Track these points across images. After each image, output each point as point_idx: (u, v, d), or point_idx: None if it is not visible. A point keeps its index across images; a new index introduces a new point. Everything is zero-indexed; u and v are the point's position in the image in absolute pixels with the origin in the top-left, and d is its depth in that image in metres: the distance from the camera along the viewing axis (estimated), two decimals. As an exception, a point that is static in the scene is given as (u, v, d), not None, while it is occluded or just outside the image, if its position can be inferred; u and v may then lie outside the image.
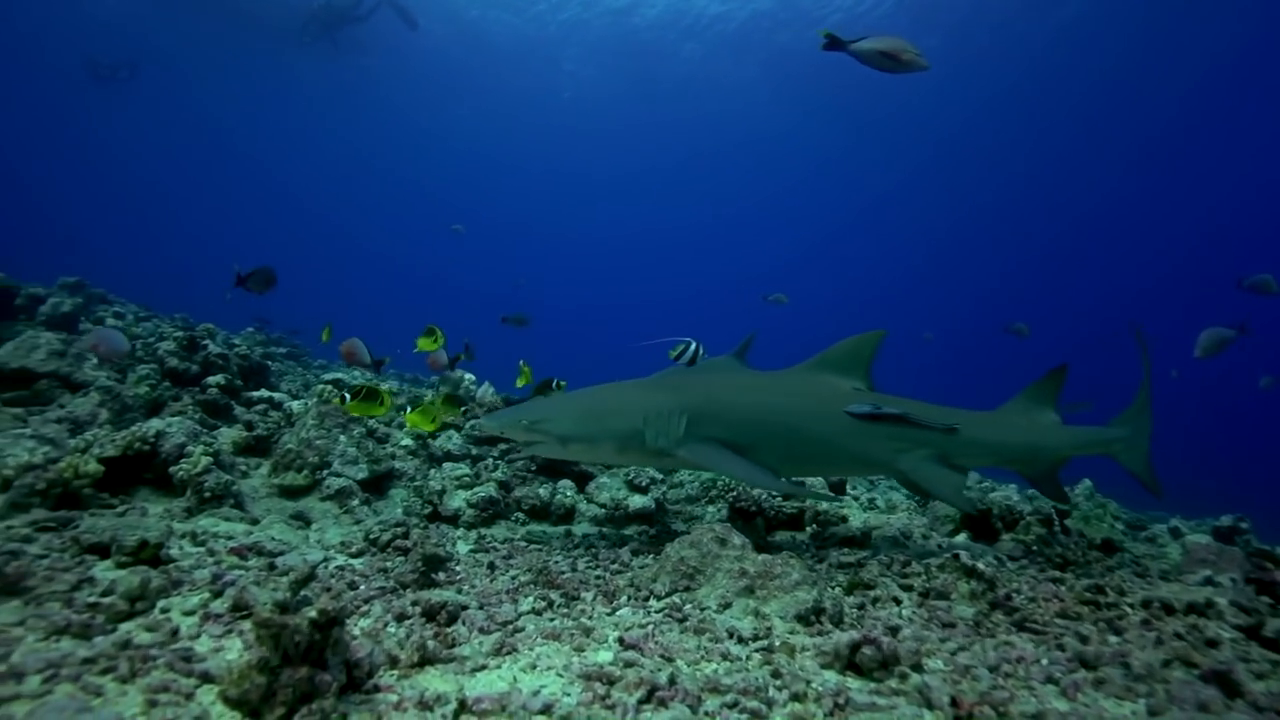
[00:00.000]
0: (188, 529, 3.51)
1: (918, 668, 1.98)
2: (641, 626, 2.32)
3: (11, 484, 3.41)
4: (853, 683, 1.89)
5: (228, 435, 4.76)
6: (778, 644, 2.23)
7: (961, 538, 5.34)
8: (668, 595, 2.85)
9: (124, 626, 2.01)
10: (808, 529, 5.60)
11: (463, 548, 4.03)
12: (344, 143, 46.24)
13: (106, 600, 2.13)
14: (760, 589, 2.84)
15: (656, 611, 2.63)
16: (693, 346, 4.47)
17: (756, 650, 2.18)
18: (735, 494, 5.55)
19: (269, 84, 35.77)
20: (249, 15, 26.48)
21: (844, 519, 5.63)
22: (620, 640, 2.12)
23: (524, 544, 4.17)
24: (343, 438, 4.79)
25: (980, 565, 3.27)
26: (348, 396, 4.06)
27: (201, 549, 3.20)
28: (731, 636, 2.29)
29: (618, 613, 2.57)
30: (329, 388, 5.54)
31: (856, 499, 7.05)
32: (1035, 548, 4.61)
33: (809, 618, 2.61)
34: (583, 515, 5.19)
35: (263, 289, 4.75)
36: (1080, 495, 6.02)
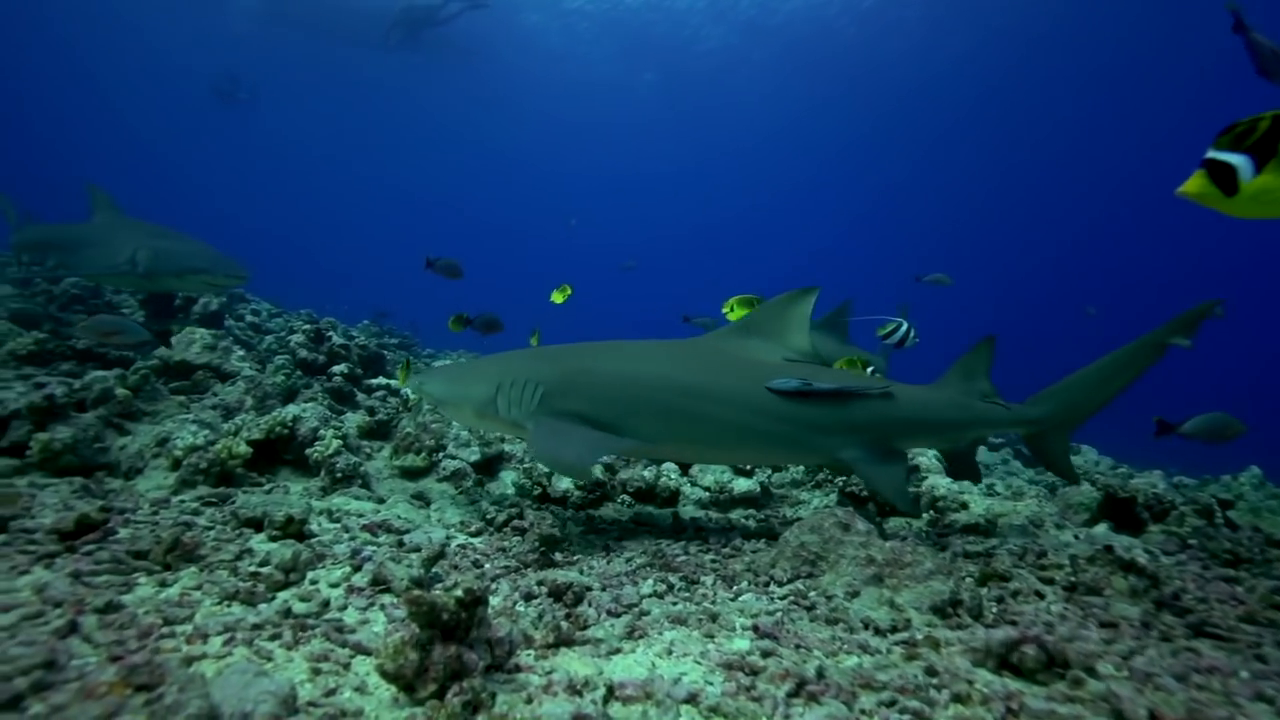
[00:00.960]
0: (324, 506, 3.76)
1: (1091, 672, 1.78)
2: (770, 614, 2.23)
3: (181, 463, 3.78)
4: (1016, 684, 1.72)
5: (353, 420, 5.07)
6: (919, 637, 2.08)
7: (1101, 529, 4.87)
8: (790, 582, 2.75)
9: (281, 595, 2.15)
10: (924, 515, 5.30)
11: (574, 529, 4.09)
12: (447, 143, 48.87)
13: (265, 570, 2.29)
14: (890, 578, 2.68)
15: (780, 598, 2.54)
16: (904, 328, 4.10)
17: (896, 643, 2.05)
18: (844, 480, 5.34)
19: (370, 93, 38.19)
20: (347, 30, 28.16)
21: (964, 505, 5.28)
22: (754, 628, 2.04)
23: (633, 526, 4.17)
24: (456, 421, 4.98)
25: (1139, 558, 2.94)
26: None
27: (338, 525, 3.41)
28: (867, 628, 2.17)
29: (741, 598, 2.50)
30: (441, 374, 5.78)
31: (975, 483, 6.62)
32: (1193, 541, 4.12)
33: (946, 610, 2.43)
34: (687, 498, 5.15)
35: (449, 275, 5.21)
36: (1246, 484, 5.34)
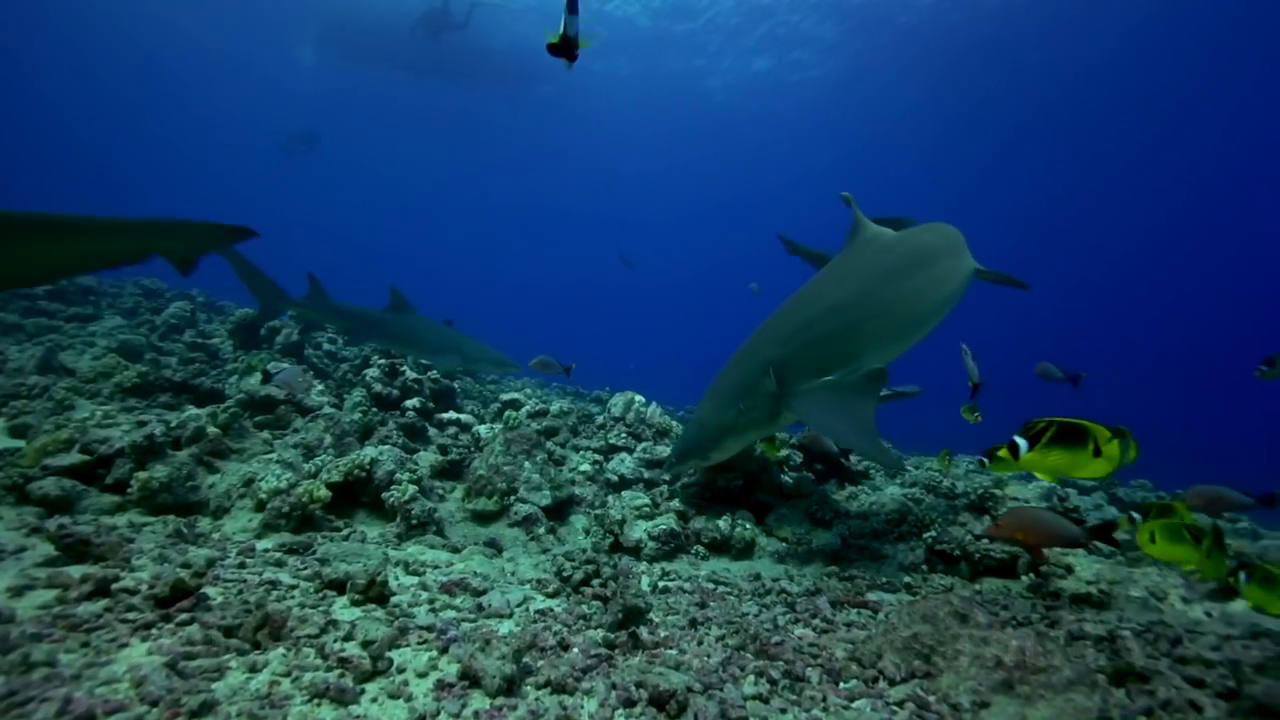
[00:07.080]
0: (400, 557, 3.70)
1: None
2: (895, 735, 1.99)
3: (265, 506, 3.81)
4: None
5: (425, 459, 5.05)
6: (1076, 779, 1.80)
7: (1239, 605, 4.34)
8: (902, 681, 2.49)
9: (369, 688, 2.05)
10: (1022, 578, 4.89)
11: (646, 583, 3.91)
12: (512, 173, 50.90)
13: (350, 650, 2.20)
14: (1021, 684, 2.39)
15: (897, 704, 2.29)
16: None
17: (1050, 786, 1.78)
18: (933, 534, 4.99)
19: (429, 119, 40.23)
20: (399, 57, 29.60)
21: (1069, 569, 4.85)
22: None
23: (711, 585, 3.97)
24: (527, 464, 4.90)
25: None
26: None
27: (415, 581, 3.34)
28: (1010, 760, 1.90)
29: (854, 704, 2.26)
30: (513, 414, 5.74)
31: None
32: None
33: (1096, 734, 2.14)
34: (763, 550, 4.91)
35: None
36: None
